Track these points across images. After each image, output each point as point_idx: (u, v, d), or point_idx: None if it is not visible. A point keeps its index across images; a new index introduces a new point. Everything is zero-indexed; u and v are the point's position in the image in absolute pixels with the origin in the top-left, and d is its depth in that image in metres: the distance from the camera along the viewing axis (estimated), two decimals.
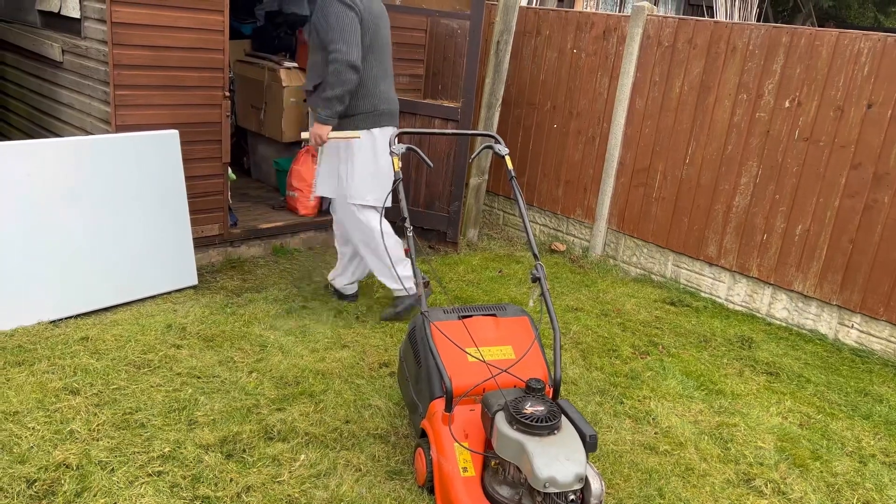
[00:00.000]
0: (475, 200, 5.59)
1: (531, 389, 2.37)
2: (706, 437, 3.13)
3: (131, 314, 3.73)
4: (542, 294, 2.72)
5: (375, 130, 3.77)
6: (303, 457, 2.71)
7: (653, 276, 5.11)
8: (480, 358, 2.58)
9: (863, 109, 4.00)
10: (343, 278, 4.13)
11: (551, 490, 2.14)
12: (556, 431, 2.28)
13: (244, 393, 3.10)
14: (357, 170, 3.76)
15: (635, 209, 5.13)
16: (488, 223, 6.14)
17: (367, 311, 4.06)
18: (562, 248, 5.63)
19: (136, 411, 2.87)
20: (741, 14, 8.34)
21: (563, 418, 2.35)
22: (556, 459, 2.17)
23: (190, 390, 3.07)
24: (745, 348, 4.09)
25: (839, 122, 4.09)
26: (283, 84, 5.33)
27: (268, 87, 5.47)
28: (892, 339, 4.04)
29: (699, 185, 4.73)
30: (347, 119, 3.71)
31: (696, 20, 4.68)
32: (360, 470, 2.68)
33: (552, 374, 2.62)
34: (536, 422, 2.25)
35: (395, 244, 3.87)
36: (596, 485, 2.23)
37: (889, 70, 3.89)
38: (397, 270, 3.72)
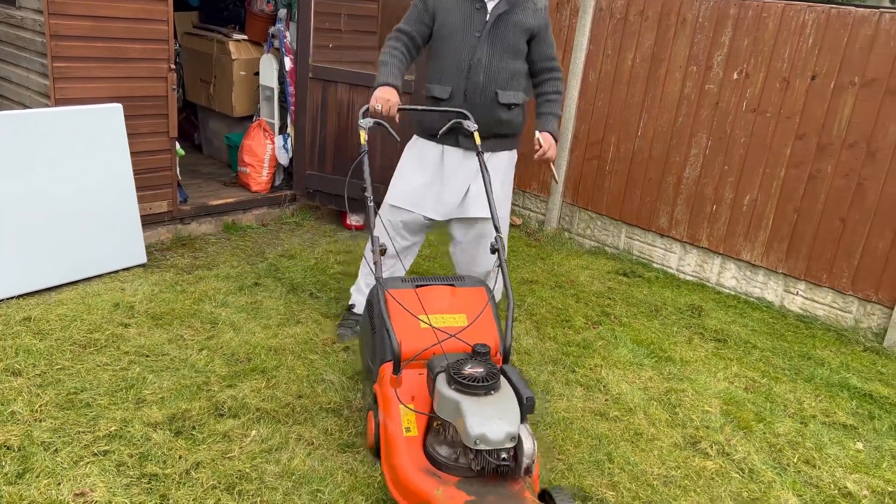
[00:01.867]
0: None
1: (476, 353, 2.40)
2: (655, 403, 3.20)
3: (76, 294, 3.64)
4: (500, 265, 2.74)
5: None
6: (254, 432, 2.69)
7: (606, 249, 5.18)
8: (429, 324, 2.59)
9: (807, 81, 4.08)
10: None
11: (482, 447, 2.16)
12: (492, 392, 2.30)
13: (194, 370, 3.06)
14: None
15: (589, 182, 5.17)
16: None
17: (321, 288, 4.03)
18: (518, 221, 5.65)
19: (81, 391, 2.81)
20: None
21: (504, 381, 2.37)
22: (489, 418, 2.20)
23: (138, 369, 3.02)
24: (694, 317, 4.17)
25: (785, 93, 4.16)
26: (233, 57, 5.21)
27: (217, 60, 5.34)
28: (835, 304, 4.17)
29: (651, 158, 4.78)
30: (516, 138, 3.44)
31: None
32: (313, 444, 2.68)
33: (503, 341, 2.64)
34: (473, 382, 2.28)
35: None
36: (528, 444, 2.25)
37: (832, 42, 3.96)
38: None
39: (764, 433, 3.06)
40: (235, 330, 3.44)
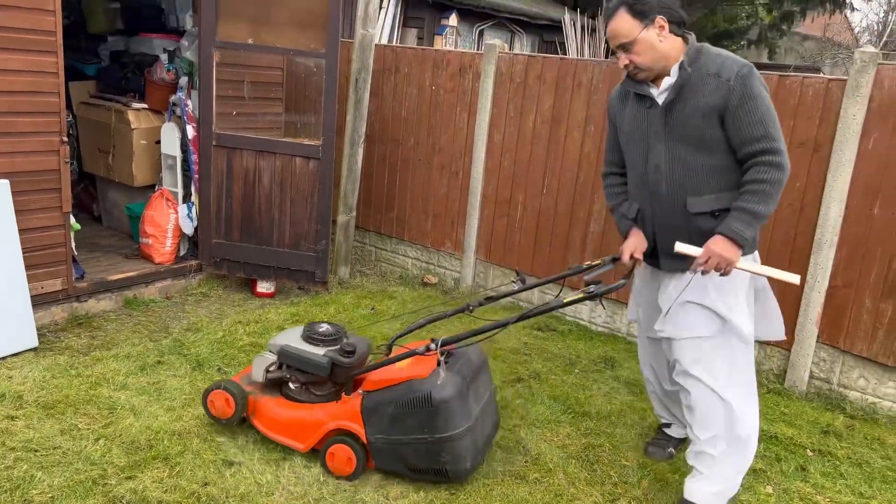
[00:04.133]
0: (344, 238, 5.52)
1: (345, 349, 3.00)
2: (573, 461, 3.20)
3: None
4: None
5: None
6: None
7: (521, 304, 5.23)
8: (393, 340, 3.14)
9: None
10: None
11: None
12: (303, 339, 3.11)
13: (89, 463, 2.85)
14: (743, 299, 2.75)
15: (500, 239, 5.25)
16: (360, 259, 6.08)
17: (229, 363, 3.87)
18: (434, 280, 5.66)
19: None
20: (591, 49, 8.88)
21: (331, 345, 3.07)
22: (286, 336, 3.19)
23: (25, 466, 2.78)
24: (608, 368, 4.24)
25: None
26: (132, 126, 5.07)
27: (115, 130, 5.18)
28: None
29: (557, 214, 4.91)
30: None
31: (545, 57, 4.90)
32: None
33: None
34: (307, 330, 3.14)
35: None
36: (258, 362, 3.15)
37: None
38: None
39: (679, 484, 3.08)
40: (136, 414, 3.24)
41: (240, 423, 3.13)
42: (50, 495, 2.62)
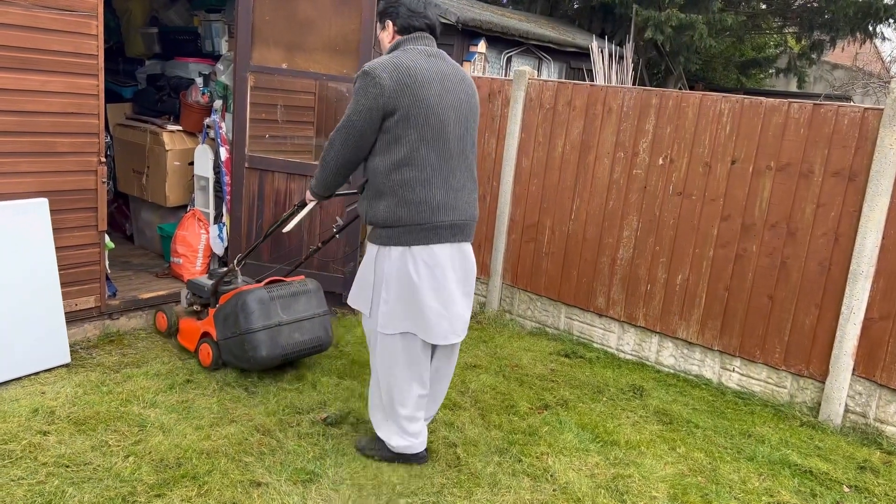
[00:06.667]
0: None
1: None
2: (602, 491, 3.15)
3: None
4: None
5: (416, 248, 2.99)
6: None
7: (547, 329, 5.20)
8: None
9: (728, 165, 4.29)
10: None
11: None
12: (208, 276, 4.23)
13: (119, 480, 2.86)
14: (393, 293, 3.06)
15: (527, 264, 5.24)
16: None
17: (256, 382, 3.88)
18: None
19: None
20: (618, 76, 8.90)
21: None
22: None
23: (56, 481, 2.81)
24: (636, 397, 4.19)
25: (708, 177, 4.37)
26: (167, 147, 5.16)
27: (150, 151, 5.28)
28: (770, 380, 4.26)
29: (585, 240, 4.90)
30: (374, 230, 3.10)
31: (574, 84, 4.92)
32: None
33: None
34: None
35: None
36: (183, 293, 4.32)
37: (747, 129, 4.20)
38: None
39: None
40: (165, 432, 3.26)
41: (170, 335, 4.32)
42: None
